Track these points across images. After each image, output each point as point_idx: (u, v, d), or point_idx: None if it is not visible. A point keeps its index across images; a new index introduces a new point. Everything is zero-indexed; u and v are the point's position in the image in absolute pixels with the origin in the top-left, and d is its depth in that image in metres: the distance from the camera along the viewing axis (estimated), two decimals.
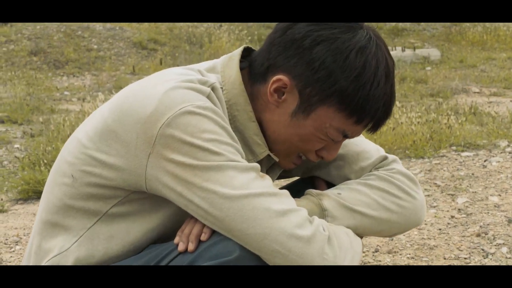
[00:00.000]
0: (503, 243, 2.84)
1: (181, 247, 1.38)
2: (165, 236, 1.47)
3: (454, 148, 4.45)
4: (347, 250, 1.39)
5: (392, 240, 2.87)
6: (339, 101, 1.41)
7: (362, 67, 1.39)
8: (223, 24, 12.09)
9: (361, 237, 1.52)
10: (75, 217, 1.49)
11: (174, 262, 1.38)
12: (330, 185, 1.62)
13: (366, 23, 1.46)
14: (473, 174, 3.85)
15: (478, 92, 6.82)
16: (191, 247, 1.37)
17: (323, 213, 1.45)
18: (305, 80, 1.42)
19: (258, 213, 1.31)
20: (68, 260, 1.51)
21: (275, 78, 1.44)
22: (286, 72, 1.43)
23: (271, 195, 1.34)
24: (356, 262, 1.42)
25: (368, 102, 1.41)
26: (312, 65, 1.40)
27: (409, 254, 2.76)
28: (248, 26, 12.61)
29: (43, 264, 1.55)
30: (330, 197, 1.48)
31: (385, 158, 1.61)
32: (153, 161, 1.35)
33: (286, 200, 1.36)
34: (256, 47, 1.58)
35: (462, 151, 4.39)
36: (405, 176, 1.57)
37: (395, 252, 2.78)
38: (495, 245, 2.82)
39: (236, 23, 12.26)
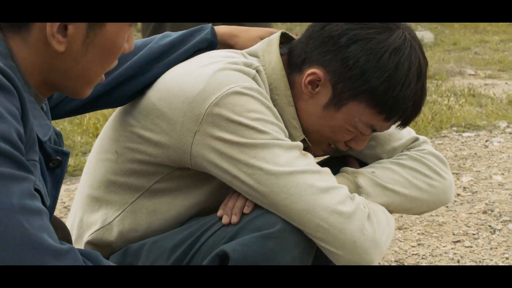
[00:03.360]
0: (509, 220, 2.93)
1: (225, 220, 1.44)
2: (207, 210, 1.53)
3: (455, 129, 4.54)
4: (384, 228, 1.46)
5: (402, 216, 2.96)
6: (369, 99, 1.47)
7: (394, 68, 1.45)
8: None
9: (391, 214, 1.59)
10: (117, 192, 1.55)
11: (218, 234, 1.44)
12: (361, 163, 1.69)
13: (403, 23, 1.50)
14: (475, 153, 3.94)
15: (473, 75, 6.90)
16: (234, 219, 1.43)
17: (358, 190, 1.52)
18: (338, 76, 1.48)
19: (302, 189, 1.38)
20: (112, 234, 1.56)
21: (310, 71, 1.50)
22: (321, 66, 1.49)
23: (314, 173, 1.40)
24: (390, 239, 1.49)
25: (398, 101, 1.47)
26: (346, 62, 1.46)
27: (419, 230, 2.84)
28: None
29: (86, 237, 1.61)
30: (365, 175, 1.55)
31: (417, 139, 1.67)
32: (199, 138, 1.40)
33: (328, 177, 1.43)
34: None
35: (463, 131, 4.48)
36: (435, 156, 1.63)
37: (405, 228, 2.86)
38: (502, 222, 2.92)
39: None
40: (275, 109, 1.46)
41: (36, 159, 1.09)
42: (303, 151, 1.45)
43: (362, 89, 1.47)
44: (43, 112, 1.17)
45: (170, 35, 1.61)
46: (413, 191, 1.57)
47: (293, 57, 1.55)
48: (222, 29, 1.65)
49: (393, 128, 1.62)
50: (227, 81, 1.41)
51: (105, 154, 1.57)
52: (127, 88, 1.56)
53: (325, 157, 1.77)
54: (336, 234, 1.38)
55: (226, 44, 1.67)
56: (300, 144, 1.45)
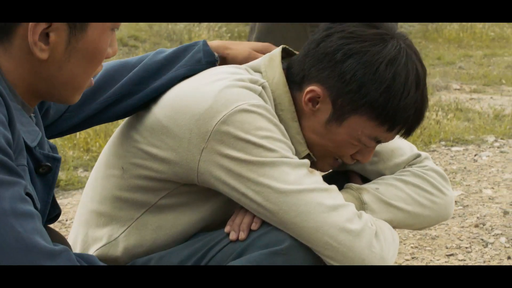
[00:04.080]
0: (501, 233, 2.97)
1: (232, 236, 1.45)
2: (212, 226, 1.54)
3: (443, 143, 4.59)
4: (390, 244, 1.47)
5: (395, 230, 2.98)
6: (370, 111, 1.48)
7: (391, 79, 1.46)
8: None
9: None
10: (123, 208, 1.55)
11: (225, 250, 1.45)
12: (364, 178, 1.70)
13: (398, 32, 1.52)
14: (465, 168, 3.99)
15: (458, 89, 6.97)
16: (242, 235, 1.44)
17: (363, 207, 1.53)
18: (337, 91, 1.49)
19: (311, 207, 1.39)
20: (118, 249, 1.57)
21: (308, 88, 1.51)
22: (319, 83, 1.51)
23: (323, 191, 1.42)
24: (396, 255, 1.51)
25: (398, 111, 1.48)
26: (344, 77, 1.48)
27: (413, 244, 2.87)
28: (227, 23, 12.67)
29: (91, 252, 1.61)
30: (369, 192, 1.56)
31: (419, 155, 1.69)
32: (206, 155, 1.41)
33: (336, 195, 1.44)
34: None
35: (452, 146, 4.52)
36: (437, 173, 1.65)
37: (399, 242, 2.89)
38: (494, 235, 2.96)
39: None
40: (282, 126, 1.47)
41: (25, 163, 1.11)
42: (310, 168, 1.46)
43: (361, 102, 1.48)
44: (30, 119, 1.19)
45: (164, 51, 1.62)
46: (415, 208, 1.59)
47: (292, 75, 1.56)
48: (215, 43, 1.67)
49: (397, 140, 1.63)
50: (234, 98, 1.42)
51: (110, 170, 1.58)
52: (124, 105, 1.57)
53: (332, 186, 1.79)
54: (345, 252, 1.39)
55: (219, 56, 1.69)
56: (307, 161, 1.46)
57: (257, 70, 1.59)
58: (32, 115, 1.24)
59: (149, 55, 1.63)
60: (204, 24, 11.72)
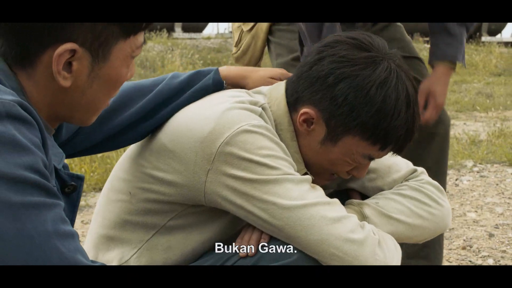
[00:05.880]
0: (488, 255, 3.02)
1: (242, 253, 1.47)
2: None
3: None
4: (393, 253, 1.50)
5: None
6: (362, 132, 1.52)
7: (382, 101, 1.50)
8: (175, 48, 12.18)
9: None
10: (133, 231, 1.57)
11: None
12: (363, 196, 1.74)
13: (388, 52, 1.55)
14: (448, 192, 4.04)
15: None
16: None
17: (364, 221, 1.56)
18: (329, 113, 1.53)
19: (315, 221, 1.42)
20: None
21: (302, 110, 1.55)
22: (312, 105, 1.55)
23: (325, 204, 1.45)
24: (399, 263, 1.53)
25: (390, 132, 1.52)
26: (336, 100, 1.52)
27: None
28: (199, 50, 12.74)
29: None
30: (370, 206, 1.60)
31: (415, 170, 1.73)
32: (212, 176, 1.44)
33: (338, 208, 1.48)
34: None
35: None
36: (433, 186, 1.69)
37: None
38: (481, 257, 3.00)
39: (188, 47, 12.37)
40: (283, 145, 1.51)
41: (55, 184, 1.14)
42: (312, 184, 1.50)
43: (353, 124, 1.52)
44: (54, 141, 1.22)
45: (179, 76, 1.64)
46: (415, 220, 1.63)
47: (286, 96, 1.60)
48: (232, 72, 1.70)
49: (391, 158, 1.68)
50: (236, 120, 1.45)
51: (117, 195, 1.59)
52: (138, 130, 1.59)
53: (330, 190, 1.82)
54: (350, 261, 1.42)
55: (237, 85, 1.71)
56: (309, 177, 1.49)
57: (259, 92, 1.64)
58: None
59: (164, 78, 1.65)
60: (177, 51, 11.77)
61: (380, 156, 1.61)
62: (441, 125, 2.43)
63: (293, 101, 1.58)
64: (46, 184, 1.03)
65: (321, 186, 1.80)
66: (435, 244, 2.42)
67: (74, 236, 1.04)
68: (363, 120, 1.51)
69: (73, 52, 1.14)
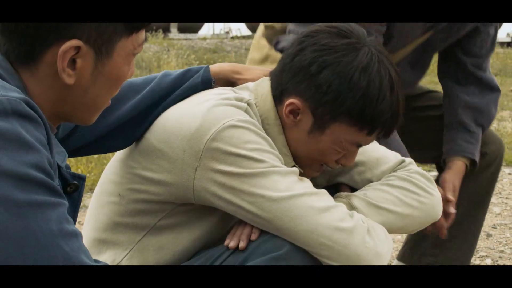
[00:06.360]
0: (486, 255, 3.01)
1: (231, 244, 1.47)
2: (212, 242, 1.57)
3: None
4: (384, 241, 1.50)
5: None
6: (349, 118, 1.53)
7: (366, 86, 1.51)
8: (171, 48, 12.19)
9: None
10: (124, 233, 1.58)
11: (227, 262, 1.47)
12: (353, 190, 1.74)
13: (368, 38, 1.56)
14: None
15: None
16: (242, 244, 1.46)
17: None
18: (315, 102, 1.53)
19: (303, 211, 1.43)
20: None
21: (288, 101, 1.55)
22: (297, 95, 1.55)
23: (313, 194, 1.46)
24: (390, 252, 1.53)
25: (376, 116, 1.53)
26: (320, 88, 1.52)
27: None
28: (195, 51, 12.74)
29: None
30: (358, 197, 1.60)
31: (403, 161, 1.74)
32: (200, 173, 1.45)
33: (326, 197, 1.48)
34: None
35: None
36: (421, 175, 1.70)
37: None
38: (479, 257, 2.99)
39: (184, 48, 12.38)
40: (269, 138, 1.51)
41: (58, 183, 1.14)
42: (300, 176, 1.50)
43: (340, 111, 1.52)
44: (57, 140, 1.21)
45: (170, 74, 1.64)
46: (405, 209, 1.63)
47: (271, 90, 1.61)
48: (225, 68, 1.70)
49: (381, 149, 1.71)
50: (221, 116, 1.46)
51: (108, 197, 1.60)
52: (130, 133, 1.58)
53: (319, 187, 1.82)
54: (340, 250, 1.43)
55: (230, 81, 1.71)
56: (296, 169, 1.50)
57: (244, 88, 1.64)
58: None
59: (155, 77, 1.64)
60: (173, 52, 11.76)
61: (368, 142, 1.61)
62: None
63: (278, 94, 1.59)
64: (51, 183, 1.03)
65: (312, 180, 1.82)
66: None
67: (77, 235, 1.04)
68: (349, 106, 1.51)
69: (77, 49, 1.14)
